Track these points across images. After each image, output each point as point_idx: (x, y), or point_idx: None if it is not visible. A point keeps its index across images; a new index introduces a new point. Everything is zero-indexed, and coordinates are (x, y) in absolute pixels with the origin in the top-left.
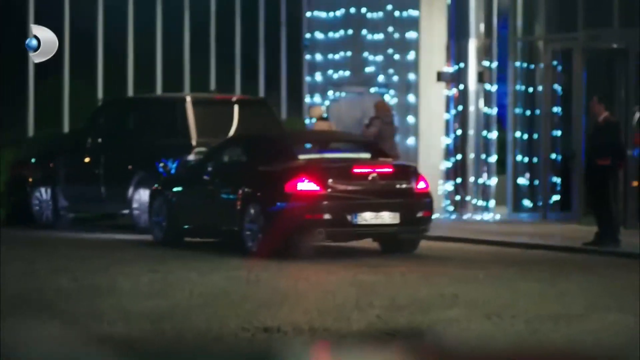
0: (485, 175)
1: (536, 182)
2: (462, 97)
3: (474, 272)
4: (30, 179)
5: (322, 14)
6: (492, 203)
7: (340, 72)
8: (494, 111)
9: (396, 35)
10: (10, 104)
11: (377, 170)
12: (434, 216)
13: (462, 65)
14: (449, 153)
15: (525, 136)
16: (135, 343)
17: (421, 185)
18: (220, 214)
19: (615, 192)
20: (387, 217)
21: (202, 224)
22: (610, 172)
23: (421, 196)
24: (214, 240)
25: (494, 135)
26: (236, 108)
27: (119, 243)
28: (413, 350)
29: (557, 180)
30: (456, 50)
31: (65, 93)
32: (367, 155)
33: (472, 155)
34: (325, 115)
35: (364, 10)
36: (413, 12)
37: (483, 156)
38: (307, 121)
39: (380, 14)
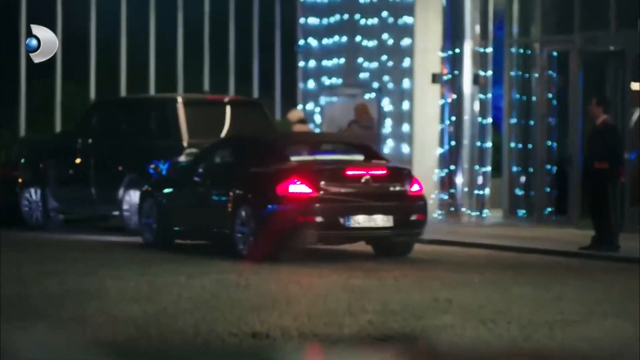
0: (480, 179)
1: (532, 185)
2: (457, 101)
3: (468, 276)
4: (20, 180)
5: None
6: (486, 212)
7: (334, 79)
8: (489, 115)
9: (390, 42)
10: (2, 106)
11: (371, 172)
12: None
13: (457, 67)
14: (443, 161)
15: (521, 141)
16: (121, 349)
17: (415, 188)
18: (211, 216)
19: (614, 196)
20: (381, 220)
21: (192, 226)
22: (608, 175)
23: (415, 199)
24: (204, 242)
25: (489, 139)
26: (228, 109)
27: (109, 245)
28: (406, 356)
29: (552, 190)
30: (451, 53)
31: (57, 94)
32: (360, 157)
33: (466, 159)
34: (302, 117)
35: (357, 16)
36: (408, 19)
37: (478, 162)
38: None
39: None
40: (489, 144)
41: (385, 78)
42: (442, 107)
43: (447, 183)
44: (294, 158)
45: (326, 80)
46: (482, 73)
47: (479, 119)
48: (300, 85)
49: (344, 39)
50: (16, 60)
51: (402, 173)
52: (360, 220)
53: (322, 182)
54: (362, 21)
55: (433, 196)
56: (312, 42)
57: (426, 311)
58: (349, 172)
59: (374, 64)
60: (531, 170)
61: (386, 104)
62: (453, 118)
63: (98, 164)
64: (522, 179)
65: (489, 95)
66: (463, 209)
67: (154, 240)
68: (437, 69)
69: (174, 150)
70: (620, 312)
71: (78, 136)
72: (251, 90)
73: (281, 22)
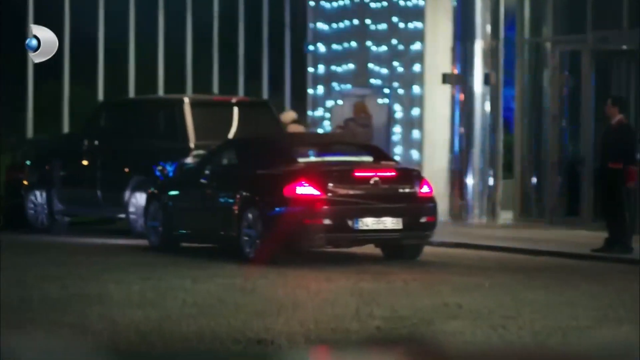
0: (491, 180)
1: (544, 186)
2: (468, 100)
3: (478, 280)
4: (26, 182)
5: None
6: (498, 208)
7: (344, 85)
8: (500, 114)
9: (401, 45)
10: (9, 108)
11: (379, 174)
12: (438, 221)
13: (468, 67)
14: (454, 157)
15: (533, 140)
16: (122, 356)
17: (425, 189)
18: (218, 218)
19: (628, 197)
20: (390, 223)
21: (199, 229)
22: (622, 176)
23: (425, 201)
24: (211, 245)
25: (500, 139)
26: (236, 110)
27: (114, 248)
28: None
29: (564, 185)
30: (462, 52)
31: (65, 96)
32: (369, 159)
33: (478, 160)
34: (296, 118)
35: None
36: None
37: (489, 160)
38: (310, 113)
39: (385, 4)
40: (500, 144)
41: (395, 84)
42: (453, 107)
43: (457, 184)
44: (301, 159)
45: (336, 86)
46: (493, 67)
47: (491, 113)
48: (310, 91)
49: (354, 44)
50: (23, 62)
51: (411, 174)
52: (368, 223)
53: (330, 184)
54: (372, 27)
55: (444, 198)
56: (322, 47)
57: (436, 316)
58: (357, 174)
59: (384, 70)
60: (543, 170)
61: (396, 110)
62: (464, 119)
63: (104, 166)
64: (534, 180)
65: (501, 92)
66: (474, 211)
67: (160, 243)
68: (448, 69)
69: (180, 151)
70: (635, 317)
71: (84, 138)
72: (261, 91)
73: (291, 22)
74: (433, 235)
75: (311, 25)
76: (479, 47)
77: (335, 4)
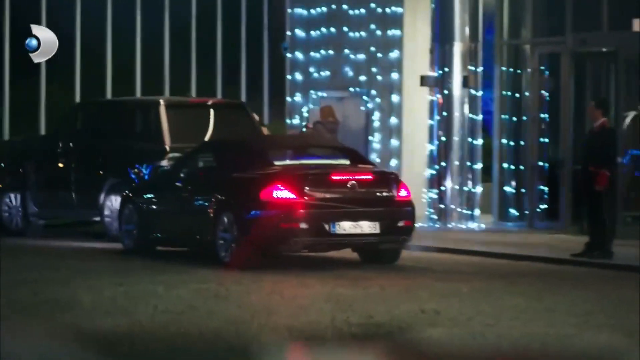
0: (470, 183)
1: (523, 190)
2: (447, 103)
3: (457, 285)
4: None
5: (304, 12)
6: (477, 211)
7: (322, 73)
8: (479, 117)
9: (379, 53)
10: None
11: (357, 177)
12: (416, 225)
13: (446, 69)
14: (433, 160)
15: (512, 143)
16: None
17: (402, 193)
18: (193, 222)
19: (608, 201)
20: (367, 227)
21: (174, 232)
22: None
23: (402, 204)
24: (186, 249)
25: (479, 142)
26: (212, 112)
27: (88, 252)
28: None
29: (544, 188)
30: (440, 54)
31: (41, 97)
32: (346, 162)
33: (456, 163)
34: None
35: (345, 7)
36: (397, 11)
37: (468, 163)
38: (288, 121)
39: (363, 11)
40: (479, 142)
41: (373, 70)
42: (431, 110)
43: (436, 182)
44: (277, 162)
45: (314, 73)
46: (472, 69)
47: (470, 116)
48: (288, 99)
49: (331, 51)
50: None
51: (389, 178)
52: (345, 227)
53: (307, 188)
54: (351, 34)
55: (423, 195)
56: (300, 33)
57: (412, 323)
58: (335, 177)
59: (362, 77)
60: (522, 174)
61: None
62: (444, 113)
63: (79, 168)
64: (513, 183)
65: (480, 93)
66: (453, 215)
67: (135, 247)
68: (426, 68)
69: (156, 154)
70: (616, 324)
71: (59, 139)
72: (239, 94)
73: (269, 24)
74: (411, 239)
75: (289, 10)
76: (457, 49)
77: (313, 11)
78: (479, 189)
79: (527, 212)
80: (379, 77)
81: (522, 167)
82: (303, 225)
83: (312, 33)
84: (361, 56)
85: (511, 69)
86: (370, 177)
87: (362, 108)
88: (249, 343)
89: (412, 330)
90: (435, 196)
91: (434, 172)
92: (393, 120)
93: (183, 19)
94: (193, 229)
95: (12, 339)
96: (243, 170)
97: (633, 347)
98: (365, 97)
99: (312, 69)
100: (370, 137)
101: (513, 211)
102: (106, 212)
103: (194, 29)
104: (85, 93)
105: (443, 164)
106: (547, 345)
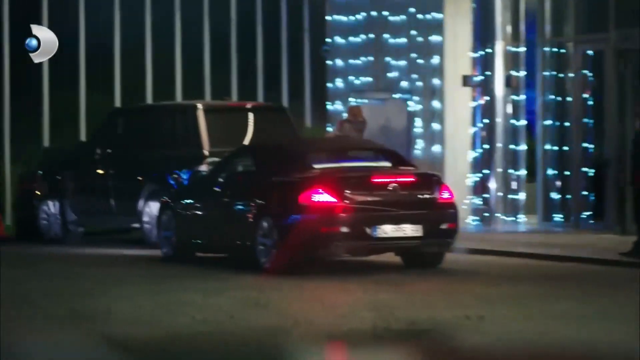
0: (514, 184)
1: (568, 190)
2: (489, 104)
3: (502, 289)
4: (38, 193)
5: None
6: (521, 217)
7: (362, 79)
8: (522, 122)
9: (420, 59)
10: (26, 117)
11: (398, 179)
12: (460, 227)
13: (488, 69)
14: (476, 165)
15: (556, 144)
16: None
17: (445, 195)
18: (232, 227)
19: None
20: (409, 230)
21: (213, 238)
22: None
23: (445, 207)
24: (226, 255)
25: (522, 146)
26: (251, 115)
27: (127, 260)
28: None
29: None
30: (482, 54)
31: (81, 105)
32: (387, 164)
33: (499, 169)
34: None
35: (385, 13)
36: (437, 15)
37: (512, 166)
38: (329, 129)
39: (403, 17)
40: (522, 147)
41: (414, 76)
42: (474, 109)
43: (480, 188)
44: (317, 166)
45: (354, 80)
46: (514, 74)
47: (512, 121)
48: (328, 84)
49: (371, 58)
50: (39, 70)
51: (431, 180)
52: (387, 230)
53: (347, 191)
54: (391, 40)
55: (466, 202)
56: (340, 40)
57: (456, 330)
58: (375, 180)
59: (404, 83)
60: (567, 173)
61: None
62: (485, 121)
63: (117, 175)
64: (558, 183)
65: (522, 97)
66: (497, 214)
67: (174, 254)
68: (468, 71)
69: (194, 159)
70: None
71: (97, 146)
72: (280, 96)
73: (310, 26)
74: (454, 242)
75: (329, 17)
76: (499, 48)
77: (352, 18)
78: (522, 192)
79: (572, 214)
80: (419, 84)
81: (566, 167)
82: (344, 229)
83: (352, 40)
84: (402, 62)
85: (554, 69)
86: (412, 179)
87: (401, 108)
88: (289, 354)
89: (456, 337)
90: (480, 202)
91: (477, 178)
92: (435, 126)
93: (223, 24)
94: (232, 234)
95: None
96: (282, 174)
97: None
98: (407, 97)
99: (352, 77)
100: (413, 130)
101: (558, 214)
102: (145, 219)
103: (234, 33)
104: (125, 99)
105: (486, 170)
106: (600, 352)
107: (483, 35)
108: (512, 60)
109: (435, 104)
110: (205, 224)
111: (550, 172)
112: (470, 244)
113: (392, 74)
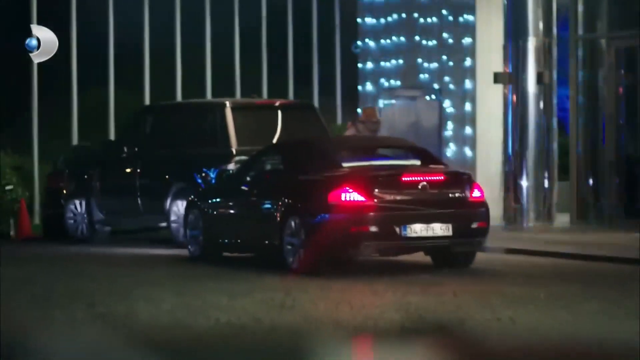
0: (546, 182)
1: (601, 188)
2: (521, 100)
3: (533, 290)
4: (65, 191)
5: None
6: (554, 211)
7: (393, 81)
8: (554, 115)
9: (451, 40)
10: (55, 115)
11: (428, 178)
12: (491, 226)
13: (520, 66)
14: (508, 159)
15: (589, 140)
16: None
17: (476, 193)
18: (260, 227)
19: None
20: (439, 229)
21: (240, 238)
22: None
23: (476, 206)
24: (254, 255)
25: (555, 139)
26: (279, 113)
27: (153, 259)
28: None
29: (622, 186)
30: (514, 50)
31: (110, 103)
32: (417, 162)
33: (532, 162)
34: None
35: (416, 15)
36: (469, 17)
37: (544, 162)
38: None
39: (435, 19)
40: (555, 145)
41: (446, 79)
42: (505, 108)
43: (512, 186)
44: (346, 164)
45: (385, 82)
46: (546, 65)
47: (545, 113)
48: (359, 88)
49: (403, 39)
50: (68, 70)
51: (461, 178)
52: (417, 230)
53: (377, 190)
54: (422, 20)
55: (499, 199)
56: (370, 43)
57: (487, 333)
58: (405, 179)
59: (434, 65)
60: (600, 171)
61: (447, 106)
62: (517, 119)
63: (144, 173)
64: (591, 181)
65: (555, 91)
66: (529, 214)
67: (201, 254)
68: (499, 68)
69: (222, 157)
70: None
71: (123, 144)
72: (311, 94)
73: (341, 22)
74: (485, 241)
75: (359, 20)
76: (531, 45)
77: (383, 20)
78: (555, 188)
79: (605, 210)
80: (451, 86)
81: (599, 165)
82: (373, 229)
83: (383, 42)
84: (433, 64)
85: (587, 65)
86: (442, 177)
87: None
88: (313, 357)
89: (486, 339)
90: (511, 196)
91: (509, 171)
92: (467, 107)
93: (253, 20)
94: (260, 234)
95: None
96: (310, 172)
97: None
98: (436, 86)
99: (383, 78)
100: (445, 127)
101: (591, 210)
102: (172, 218)
103: (265, 29)
104: (154, 97)
105: (519, 163)
106: (631, 353)
107: (514, 32)
108: (544, 58)
109: (467, 106)
110: (233, 223)
111: (583, 170)
112: (501, 243)
113: (424, 76)
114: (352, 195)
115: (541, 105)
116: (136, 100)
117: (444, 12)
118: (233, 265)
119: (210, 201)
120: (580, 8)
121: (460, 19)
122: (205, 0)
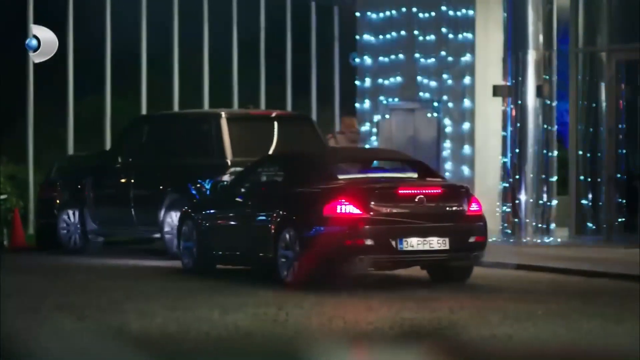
0: (545, 196)
1: (600, 203)
2: (520, 113)
3: (531, 306)
4: (58, 201)
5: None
6: (552, 225)
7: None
8: (554, 128)
9: (450, 57)
10: (50, 124)
11: (425, 191)
12: (489, 240)
13: (519, 79)
14: (506, 173)
15: (588, 154)
16: None
17: (473, 207)
18: (254, 239)
19: None
20: (436, 243)
21: (234, 250)
22: None
23: (473, 219)
24: (248, 267)
25: (554, 153)
26: (275, 124)
27: (146, 271)
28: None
29: (622, 201)
30: (513, 62)
31: (107, 111)
32: (413, 175)
33: (531, 175)
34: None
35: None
36: (468, 14)
37: (543, 176)
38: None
39: (433, 14)
40: (554, 159)
41: (445, 97)
42: (505, 121)
43: (510, 196)
44: (342, 176)
45: (383, 100)
46: (546, 78)
47: (544, 126)
48: (357, 105)
49: (401, 56)
50: (64, 77)
51: (459, 191)
52: (413, 243)
53: (372, 202)
54: (421, 37)
55: (497, 213)
56: (368, 60)
57: (483, 351)
58: (402, 191)
59: (433, 82)
60: (599, 186)
61: (446, 124)
62: (516, 133)
63: (138, 184)
64: (590, 196)
65: (554, 104)
66: (527, 229)
67: (194, 266)
68: (499, 82)
69: (217, 168)
70: None
71: (117, 154)
72: (309, 104)
73: (339, 34)
74: (483, 255)
75: (358, 37)
76: (531, 58)
77: (382, 15)
78: (554, 202)
79: (604, 225)
80: (450, 82)
81: (599, 179)
82: (368, 242)
83: (381, 37)
84: (431, 60)
85: (587, 78)
86: (439, 190)
87: (429, 115)
88: None
89: (482, 357)
90: (509, 210)
91: (507, 185)
92: (465, 126)
93: (251, 30)
94: (254, 246)
95: None
96: (305, 184)
97: None
98: (435, 104)
99: (381, 75)
100: (443, 145)
101: (590, 225)
102: (166, 229)
103: (263, 39)
104: (151, 106)
105: (517, 176)
106: None
107: (514, 45)
108: (543, 71)
109: (466, 102)
110: (227, 235)
111: (582, 181)
112: (499, 258)
113: (423, 94)
114: (348, 208)
115: (540, 118)
116: (133, 109)
117: (444, 29)
118: (227, 278)
119: (204, 212)
120: (580, 21)
121: (460, 36)
122: (204, 9)
